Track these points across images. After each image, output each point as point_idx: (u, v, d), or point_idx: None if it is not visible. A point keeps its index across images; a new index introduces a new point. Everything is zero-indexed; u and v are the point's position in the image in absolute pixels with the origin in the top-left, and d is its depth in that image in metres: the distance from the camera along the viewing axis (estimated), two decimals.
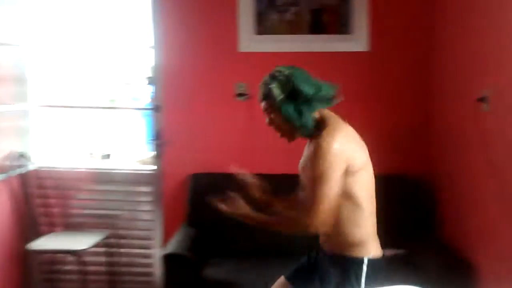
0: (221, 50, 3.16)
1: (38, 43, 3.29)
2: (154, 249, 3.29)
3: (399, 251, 2.83)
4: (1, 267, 3.01)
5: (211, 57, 3.17)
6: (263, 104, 1.86)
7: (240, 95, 3.14)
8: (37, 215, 3.23)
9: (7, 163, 2.94)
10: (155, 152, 3.24)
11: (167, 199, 3.25)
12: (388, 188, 2.98)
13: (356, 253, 1.77)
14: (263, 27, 3.11)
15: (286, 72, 1.81)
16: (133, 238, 3.34)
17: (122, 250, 3.35)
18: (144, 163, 3.55)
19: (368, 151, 1.86)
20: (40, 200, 3.28)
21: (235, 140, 3.19)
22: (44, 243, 3.01)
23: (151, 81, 3.32)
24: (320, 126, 1.77)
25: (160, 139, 3.22)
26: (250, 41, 3.11)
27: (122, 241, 3.34)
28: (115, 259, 3.33)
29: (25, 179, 3.12)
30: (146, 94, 3.65)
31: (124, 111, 3.94)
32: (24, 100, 3.22)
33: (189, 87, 3.20)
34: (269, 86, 1.80)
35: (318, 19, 3.11)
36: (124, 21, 3.50)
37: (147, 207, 3.30)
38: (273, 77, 1.81)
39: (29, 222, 3.10)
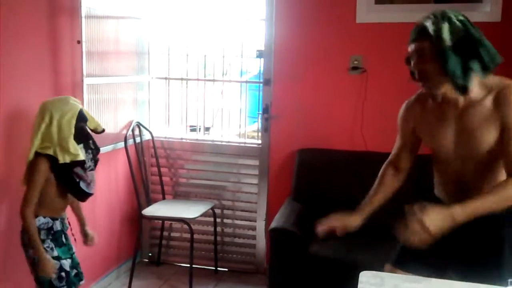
0: (338, 21, 3.03)
1: (158, 17, 3.41)
2: (258, 221, 3.32)
3: None
4: (119, 228, 3.22)
5: (326, 29, 3.06)
6: (418, 45, 1.54)
7: (354, 68, 3.00)
8: (150, 183, 3.39)
9: (126, 132, 3.08)
10: (263, 126, 3.25)
11: (273, 173, 3.25)
12: None
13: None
14: None
15: (461, 16, 1.54)
16: (238, 209, 3.39)
17: (227, 221, 3.42)
18: (247, 136, 3.58)
19: None
20: (153, 168, 3.43)
21: (346, 116, 3.08)
22: (156, 210, 3.15)
23: (261, 54, 3.30)
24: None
25: (268, 113, 3.21)
26: (368, 11, 2.94)
27: (228, 212, 3.41)
28: (220, 229, 3.41)
29: (141, 148, 3.27)
30: (255, 68, 3.64)
31: (233, 84, 3.98)
32: (142, 72, 3.35)
33: (301, 60, 3.13)
34: (439, 26, 1.50)
35: None
36: None
37: (253, 180, 3.33)
38: (444, 17, 1.52)
39: (143, 189, 3.26)
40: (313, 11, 3.06)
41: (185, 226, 3.07)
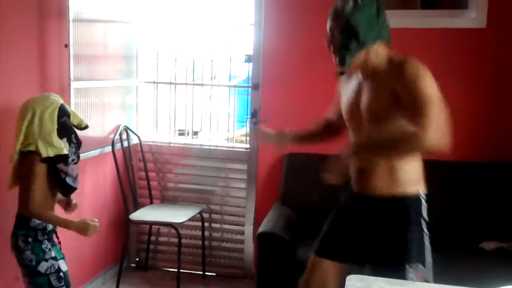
0: (326, 26, 3.04)
1: (147, 21, 3.40)
2: (246, 226, 3.32)
3: (502, 245, 2.66)
4: (106, 232, 3.19)
5: (315, 33, 3.05)
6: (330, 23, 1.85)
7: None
8: (137, 187, 3.38)
9: (113, 136, 3.07)
10: (252, 130, 3.25)
11: (261, 178, 3.25)
12: (491, 177, 2.80)
13: (414, 189, 1.78)
14: None
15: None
16: (226, 214, 3.38)
17: (214, 225, 3.41)
18: (236, 141, 3.58)
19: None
20: (141, 172, 3.42)
21: None
22: (144, 214, 3.13)
23: (249, 58, 3.31)
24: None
25: (257, 117, 3.22)
26: None
27: (216, 216, 3.40)
28: (208, 233, 3.40)
29: (128, 152, 3.26)
30: (243, 72, 3.65)
31: (221, 89, 3.98)
32: (131, 76, 3.34)
33: (289, 64, 3.14)
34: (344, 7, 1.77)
35: None
36: None
37: (241, 185, 3.33)
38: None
39: (131, 193, 3.24)
40: (302, 16, 3.08)
41: (173, 230, 3.06)
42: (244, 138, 3.77)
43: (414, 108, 1.65)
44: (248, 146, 3.33)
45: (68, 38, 2.55)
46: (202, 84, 3.61)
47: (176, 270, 3.06)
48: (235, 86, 3.72)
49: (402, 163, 1.76)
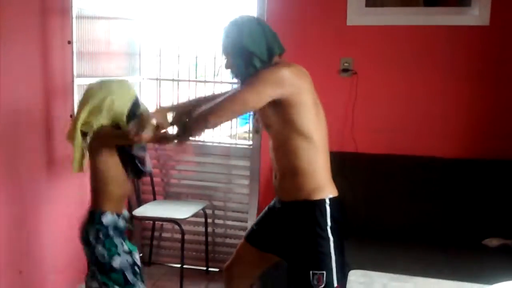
0: (328, 24, 3.04)
1: (150, 18, 3.41)
2: (249, 222, 3.33)
3: (507, 241, 2.65)
4: None
5: (317, 31, 3.07)
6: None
7: (344, 70, 3.02)
8: (141, 183, 3.39)
9: None
10: (254, 128, 3.26)
11: (264, 174, 3.26)
12: (496, 174, 2.80)
13: (317, 195, 1.76)
14: None
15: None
16: (229, 210, 3.40)
17: (218, 221, 3.42)
18: (239, 137, 3.59)
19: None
20: None
21: (336, 118, 3.09)
22: (147, 210, 3.15)
23: None
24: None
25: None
26: (359, 14, 2.96)
27: (219, 212, 3.41)
28: (211, 229, 3.41)
29: None
30: None
31: (224, 85, 3.97)
32: (134, 73, 3.35)
33: (291, 61, 3.13)
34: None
35: None
36: None
37: (244, 181, 3.34)
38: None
39: (134, 189, 3.25)
40: (304, 14, 3.08)
41: (176, 226, 3.07)
42: (247, 135, 3.77)
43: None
44: (251, 142, 3.33)
45: (71, 35, 2.55)
46: (205, 81, 3.61)
47: (179, 265, 3.07)
48: (238, 83, 3.71)
49: (304, 168, 1.77)
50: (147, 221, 3.40)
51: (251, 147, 3.30)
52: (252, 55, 1.76)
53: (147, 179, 3.39)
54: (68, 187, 2.76)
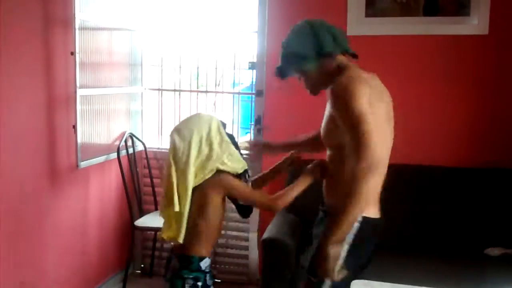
0: None
1: (151, 28, 3.44)
2: (251, 232, 3.32)
3: (508, 251, 2.65)
4: (111, 239, 3.21)
5: None
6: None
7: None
8: (142, 194, 3.39)
9: (119, 143, 3.09)
10: (255, 137, 3.26)
11: (265, 187, 3.25)
12: (498, 183, 2.80)
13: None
14: (373, 9, 2.97)
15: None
16: (230, 220, 3.39)
17: None
18: (240, 147, 3.58)
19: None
20: (146, 179, 3.44)
21: None
22: (149, 220, 3.14)
23: (253, 66, 3.33)
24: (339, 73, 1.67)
25: (260, 124, 3.23)
26: (359, 24, 2.98)
27: None
28: None
29: (133, 158, 3.28)
30: (247, 79, 3.67)
31: (225, 95, 4.00)
32: (135, 83, 3.37)
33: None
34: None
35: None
36: (229, 6, 3.55)
37: None
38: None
39: (136, 199, 3.26)
40: None
41: None
42: (247, 145, 3.77)
43: (348, 130, 1.58)
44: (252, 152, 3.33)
45: (74, 46, 2.58)
46: (206, 91, 3.63)
47: None
48: (239, 93, 3.74)
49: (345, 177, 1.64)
50: (148, 232, 3.40)
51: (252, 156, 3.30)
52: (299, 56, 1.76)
53: (148, 189, 3.39)
54: (70, 198, 2.77)
